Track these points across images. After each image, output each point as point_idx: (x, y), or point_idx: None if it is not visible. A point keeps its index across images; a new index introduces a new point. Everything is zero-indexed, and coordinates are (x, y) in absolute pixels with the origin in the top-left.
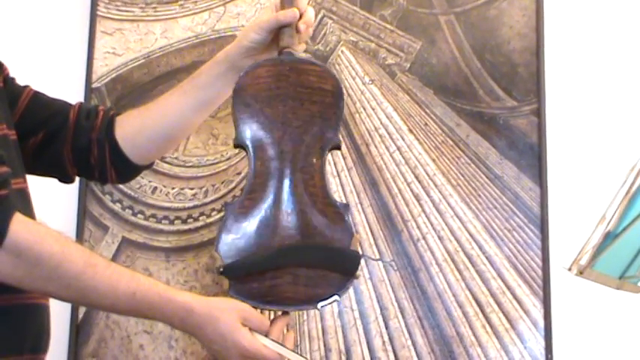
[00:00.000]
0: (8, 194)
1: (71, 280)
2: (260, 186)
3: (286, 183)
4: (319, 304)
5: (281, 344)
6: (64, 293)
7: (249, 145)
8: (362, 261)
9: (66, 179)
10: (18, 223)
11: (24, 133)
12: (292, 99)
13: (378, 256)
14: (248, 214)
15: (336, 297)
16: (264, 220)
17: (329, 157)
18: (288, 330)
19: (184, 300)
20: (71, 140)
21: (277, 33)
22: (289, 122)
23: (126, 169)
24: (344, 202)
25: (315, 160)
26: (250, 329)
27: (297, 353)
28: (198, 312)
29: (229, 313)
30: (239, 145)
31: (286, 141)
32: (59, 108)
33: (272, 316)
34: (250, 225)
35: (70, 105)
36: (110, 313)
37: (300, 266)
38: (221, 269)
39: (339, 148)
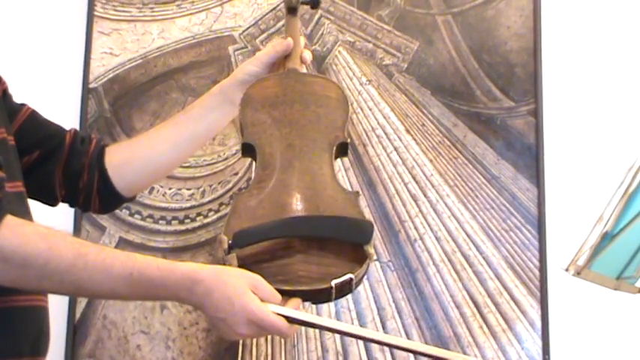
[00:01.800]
0: (1, 199)
1: (63, 275)
2: (268, 176)
3: (295, 171)
4: (333, 282)
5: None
6: (61, 288)
7: (257, 142)
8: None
9: (51, 201)
10: (5, 227)
11: (19, 149)
12: (299, 103)
13: (375, 257)
14: (257, 200)
15: (349, 276)
16: (274, 203)
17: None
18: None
19: (189, 269)
20: (65, 162)
21: (277, 66)
22: (296, 121)
23: (110, 199)
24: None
25: (323, 154)
26: (261, 300)
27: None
28: (204, 278)
29: (239, 278)
30: (246, 144)
31: (294, 136)
32: (55, 130)
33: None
34: (259, 208)
35: (65, 129)
36: (116, 300)
37: (311, 241)
38: (230, 242)
39: (346, 151)
